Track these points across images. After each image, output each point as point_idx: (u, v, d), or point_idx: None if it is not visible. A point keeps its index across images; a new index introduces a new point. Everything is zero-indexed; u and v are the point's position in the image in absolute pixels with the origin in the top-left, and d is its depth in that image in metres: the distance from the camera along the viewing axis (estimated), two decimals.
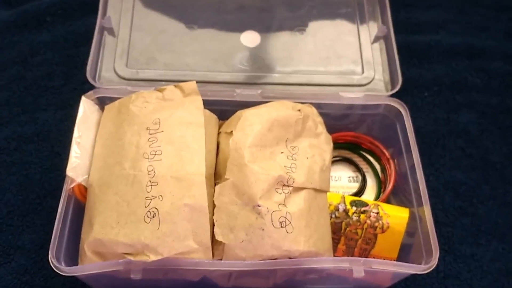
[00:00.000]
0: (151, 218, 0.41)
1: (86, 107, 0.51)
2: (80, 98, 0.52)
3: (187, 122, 0.47)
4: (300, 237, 0.42)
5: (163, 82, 0.57)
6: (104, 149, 0.48)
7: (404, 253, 0.51)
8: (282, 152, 0.46)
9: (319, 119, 0.52)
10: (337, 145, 0.60)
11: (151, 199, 0.42)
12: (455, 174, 0.63)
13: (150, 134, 0.46)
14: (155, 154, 0.44)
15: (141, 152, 0.45)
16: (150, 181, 0.43)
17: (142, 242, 0.41)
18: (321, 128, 0.50)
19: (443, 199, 0.61)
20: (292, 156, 0.46)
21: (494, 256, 0.57)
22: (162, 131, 0.46)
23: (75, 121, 0.49)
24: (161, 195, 0.42)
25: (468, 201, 0.61)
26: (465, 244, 0.58)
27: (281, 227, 0.42)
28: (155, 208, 0.42)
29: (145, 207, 0.42)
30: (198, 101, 0.49)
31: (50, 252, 0.43)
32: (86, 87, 0.55)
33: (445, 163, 0.64)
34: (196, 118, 0.47)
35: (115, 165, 0.45)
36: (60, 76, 0.68)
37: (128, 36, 0.60)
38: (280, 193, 0.43)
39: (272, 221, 0.42)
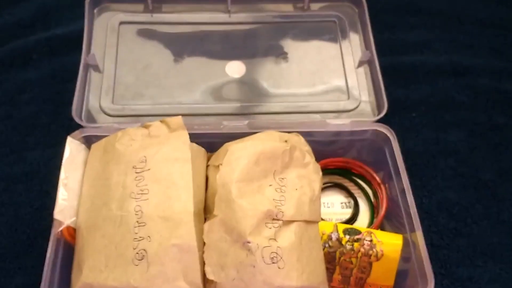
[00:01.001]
0: (139, 260, 0.41)
1: (72, 147, 0.51)
2: (68, 135, 0.52)
3: (173, 158, 0.46)
4: (293, 272, 0.41)
5: (150, 117, 0.56)
6: (92, 190, 0.47)
7: (401, 279, 0.51)
8: (270, 185, 0.46)
9: (307, 147, 0.51)
10: (327, 171, 0.60)
11: (139, 240, 0.41)
12: (447, 195, 0.63)
13: (137, 172, 0.45)
14: (142, 193, 0.44)
15: (128, 192, 0.44)
16: (137, 221, 0.42)
17: (131, 285, 0.40)
18: (309, 158, 0.50)
19: (437, 221, 0.61)
20: (280, 189, 0.46)
21: (491, 277, 0.57)
22: (149, 169, 0.45)
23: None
24: (149, 236, 0.41)
25: (462, 221, 0.61)
26: (461, 267, 0.57)
27: (273, 263, 0.41)
28: (143, 249, 0.41)
29: (133, 249, 0.41)
30: (185, 136, 0.48)
31: None
32: (74, 123, 0.55)
33: (437, 184, 0.64)
34: (183, 153, 0.47)
35: (102, 207, 0.45)
36: (48, 114, 0.68)
37: (113, 72, 0.60)
38: (270, 228, 0.43)
39: (263, 257, 0.41)
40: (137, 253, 0.41)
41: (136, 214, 0.43)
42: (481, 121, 0.70)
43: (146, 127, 0.49)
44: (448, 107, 0.71)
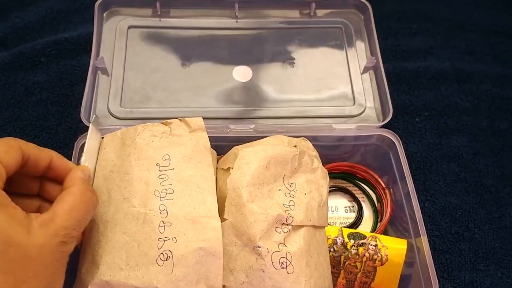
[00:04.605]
0: (164, 260, 0.40)
1: (92, 136, 0.48)
2: (75, 137, 0.52)
3: (196, 161, 0.46)
4: (301, 278, 0.42)
5: (158, 120, 0.56)
6: (108, 183, 0.45)
7: (404, 284, 0.51)
8: (280, 189, 0.46)
9: (315, 153, 0.52)
10: (332, 175, 0.61)
11: (164, 240, 0.41)
12: (450, 199, 0.64)
13: (160, 170, 0.45)
14: (166, 193, 0.43)
15: (152, 189, 0.43)
16: (162, 221, 0.42)
17: (154, 286, 0.39)
18: (317, 163, 0.50)
19: (440, 225, 0.62)
20: (290, 193, 0.46)
21: (493, 281, 0.58)
22: (173, 169, 0.45)
23: (72, 157, 0.49)
24: (174, 237, 0.41)
25: (465, 226, 0.62)
26: (464, 271, 0.58)
27: (282, 267, 0.42)
28: (169, 250, 0.40)
29: (158, 248, 0.40)
30: (205, 138, 0.48)
31: None
32: (81, 125, 0.55)
33: (440, 189, 0.65)
34: (205, 157, 0.47)
35: (123, 202, 0.43)
36: (56, 116, 0.68)
37: (121, 75, 0.60)
38: (280, 233, 0.43)
39: (272, 262, 0.42)
40: (162, 253, 0.40)
41: (161, 213, 0.42)
42: (484, 126, 0.71)
43: (166, 124, 0.49)
44: (451, 112, 0.72)
